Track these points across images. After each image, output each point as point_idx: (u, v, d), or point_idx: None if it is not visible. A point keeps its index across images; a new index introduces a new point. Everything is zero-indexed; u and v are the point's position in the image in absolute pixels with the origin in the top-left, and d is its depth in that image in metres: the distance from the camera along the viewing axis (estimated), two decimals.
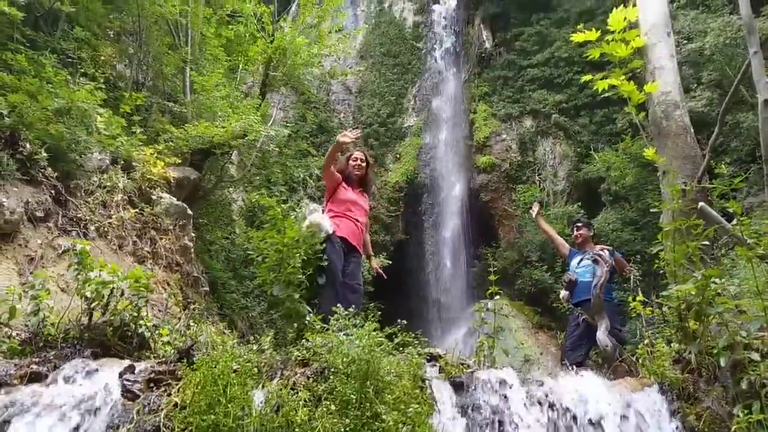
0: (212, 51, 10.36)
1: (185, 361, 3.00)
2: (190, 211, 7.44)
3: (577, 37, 4.77)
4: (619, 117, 15.54)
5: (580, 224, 7.39)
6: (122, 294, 3.54)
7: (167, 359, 3.14)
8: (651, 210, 5.62)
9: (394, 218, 17.79)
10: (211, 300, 10.40)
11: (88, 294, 3.40)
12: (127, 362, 3.11)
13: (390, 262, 14.78)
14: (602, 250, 6.10)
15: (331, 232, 4.84)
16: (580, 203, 15.50)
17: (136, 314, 3.48)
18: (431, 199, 18.33)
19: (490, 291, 4.97)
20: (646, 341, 3.67)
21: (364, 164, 5.68)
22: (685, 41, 13.68)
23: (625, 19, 4.64)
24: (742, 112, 13.04)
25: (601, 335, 5.39)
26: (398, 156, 18.90)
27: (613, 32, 4.48)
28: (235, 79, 11.19)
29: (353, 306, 3.81)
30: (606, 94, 4.94)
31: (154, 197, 6.97)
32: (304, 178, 12.55)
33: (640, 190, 13.91)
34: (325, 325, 3.40)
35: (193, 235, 7.57)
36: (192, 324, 4.87)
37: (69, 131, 6.09)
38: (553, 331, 14.12)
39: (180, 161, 8.31)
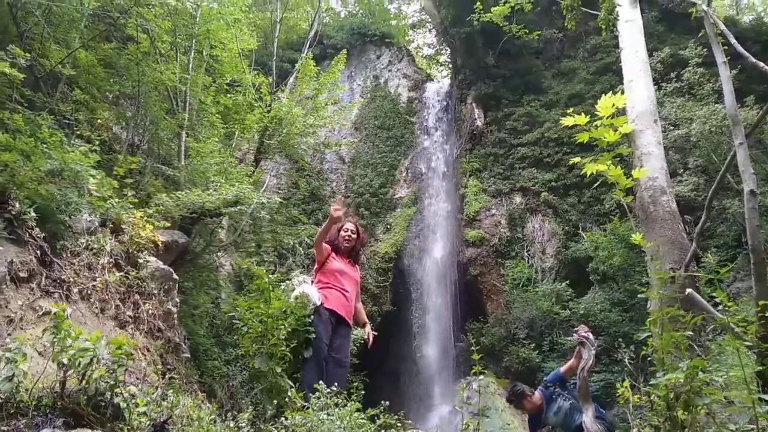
0: (209, 118, 10.54)
1: None
2: (176, 276, 7.36)
3: (567, 121, 4.84)
4: (607, 198, 15.80)
5: (516, 397, 6.40)
6: (98, 361, 3.43)
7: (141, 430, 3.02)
8: (639, 294, 5.58)
9: (382, 289, 17.69)
10: (192, 367, 10.13)
11: (65, 361, 3.29)
12: None
13: (376, 333, 14.54)
14: (586, 331, 5.87)
15: (319, 303, 4.78)
16: (568, 281, 15.51)
17: (113, 383, 3.37)
18: (420, 270, 18.29)
19: (474, 371, 4.82)
20: (634, 431, 3.59)
21: (354, 236, 5.67)
22: (672, 127, 14.09)
23: (613, 105, 4.75)
24: (728, 198, 13.30)
25: (588, 421, 5.26)
26: (388, 227, 18.99)
27: (601, 117, 4.58)
28: (231, 146, 11.33)
29: (338, 381, 3.71)
30: (594, 176, 5.01)
31: (140, 261, 6.90)
32: (294, 245, 12.55)
33: (627, 270, 13.97)
34: (306, 404, 3.30)
35: (177, 300, 7.46)
36: (170, 394, 4.74)
37: (60, 192, 6.08)
38: None
39: (169, 225, 8.28)
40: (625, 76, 6.33)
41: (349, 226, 5.69)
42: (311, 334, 4.51)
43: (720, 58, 4.67)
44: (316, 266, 5.44)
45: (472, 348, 5.14)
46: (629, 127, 5.43)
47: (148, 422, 3.41)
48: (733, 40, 4.67)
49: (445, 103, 21.79)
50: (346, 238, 5.57)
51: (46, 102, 8.33)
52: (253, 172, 11.04)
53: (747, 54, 4.49)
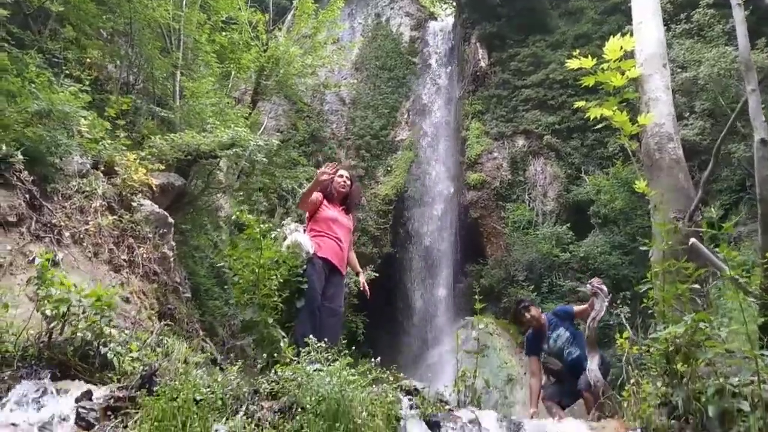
0: (204, 57, 10.20)
1: (147, 388, 2.84)
2: (171, 220, 7.24)
3: (573, 63, 4.64)
4: (610, 141, 15.54)
5: (521, 307, 6.57)
6: (84, 312, 3.36)
7: (128, 385, 2.96)
8: (639, 238, 5.49)
9: (383, 231, 17.67)
10: (193, 306, 10.20)
11: (48, 312, 3.22)
12: (85, 386, 2.93)
13: (377, 275, 14.63)
14: (600, 283, 5.83)
15: (312, 252, 4.67)
16: (569, 224, 15.44)
17: (98, 332, 3.31)
18: (420, 213, 18.22)
19: (476, 306, 4.80)
20: (632, 381, 3.54)
21: (348, 182, 5.53)
22: (679, 70, 13.70)
23: (621, 48, 4.52)
24: (735, 143, 13.06)
25: (594, 369, 5.27)
26: (389, 169, 18.81)
27: (608, 61, 4.36)
28: (227, 86, 11.03)
29: (331, 331, 3.64)
30: (598, 120, 4.82)
31: (134, 204, 6.77)
32: (293, 188, 12.41)
33: (629, 214, 13.88)
34: (296, 359, 3.24)
35: (173, 243, 7.36)
36: (165, 340, 4.71)
37: (49, 134, 5.91)
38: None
39: (164, 168, 8.12)
40: (635, 18, 6.03)
41: (343, 172, 5.54)
42: (304, 284, 4.43)
43: None
44: (307, 215, 5.31)
45: (474, 288, 5.14)
46: (637, 71, 5.22)
47: (141, 368, 3.35)
48: None
49: (448, 44, 21.21)
50: (341, 184, 5.43)
51: (35, 40, 8.04)
52: (250, 114, 10.75)
53: None
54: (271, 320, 3.99)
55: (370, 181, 18.44)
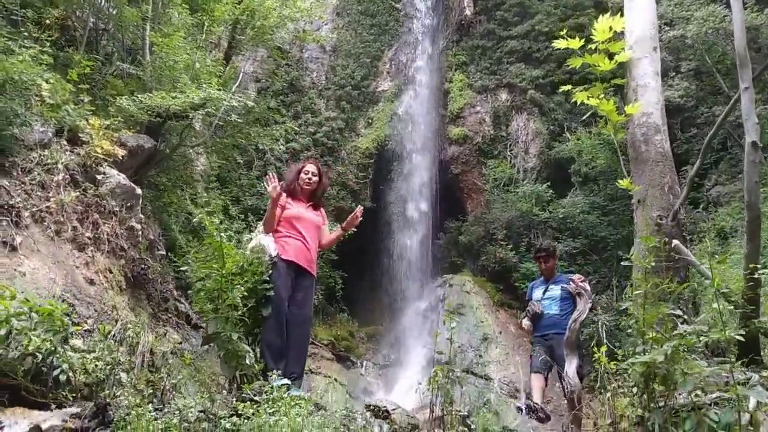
0: (175, 9, 9.67)
1: (101, 418, 2.70)
2: (139, 191, 7.00)
3: (560, 44, 4.39)
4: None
5: (545, 254, 6.62)
6: (35, 328, 3.17)
7: (82, 413, 2.82)
8: (618, 199, 5.32)
9: (363, 185, 17.46)
10: (168, 264, 10.05)
11: None
12: (36, 414, 2.78)
13: (355, 230, 14.49)
14: (582, 281, 5.80)
15: (275, 255, 4.46)
16: (549, 182, 15.35)
17: (52, 350, 3.14)
18: (401, 167, 17.98)
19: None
20: (608, 395, 3.49)
21: (315, 178, 5.24)
22: (667, 27, 13.38)
23: (611, 29, 4.27)
24: (718, 105, 12.94)
25: (571, 373, 5.26)
26: (370, 121, 18.41)
27: (596, 42, 4.11)
28: (200, 39, 10.53)
29: (299, 341, 3.51)
30: (584, 72, 4.58)
31: (99, 177, 6.50)
32: (270, 148, 12.02)
33: (610, 174, 13.80)
34: (264, 375, 3.10)
35: (141, 216, 7.13)
36: (130, 331, 4.56)
37: (5, 105, 5.57)
38: (514, 309, 14.12)
39: (132, 132, 7.80)
40: None
41: (311, 168, 5.24)
42: (270, 291, 4.24)
43: None
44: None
45: (454, 243, 5.01)
46: (626, 55, 4.97)
47: (97, 384, 3.21)
48: None
49: None
50: (307, 181, 5.14)
51: None
52: (224, 71, 10.31)
53: None
54: (236, 336, 3.82)
55: (350, 134, 18.06)
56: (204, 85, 8.62)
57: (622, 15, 5.25)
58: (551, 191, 15.11)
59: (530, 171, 16.27)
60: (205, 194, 13.25)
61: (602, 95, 4.43)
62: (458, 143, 16.92)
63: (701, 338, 3.25)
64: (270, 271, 4.34)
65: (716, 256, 3.62)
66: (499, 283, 14.75)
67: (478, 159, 16.81)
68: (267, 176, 4.88)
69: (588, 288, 5.69)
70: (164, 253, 10.25)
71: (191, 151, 11.76)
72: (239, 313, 3.88)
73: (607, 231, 13.64)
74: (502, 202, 15.51)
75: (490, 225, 15.19)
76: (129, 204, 6.70)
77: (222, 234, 3.96)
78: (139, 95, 7.95)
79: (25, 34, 6.66)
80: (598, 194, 14.34)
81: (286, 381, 3.57)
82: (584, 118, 14.08)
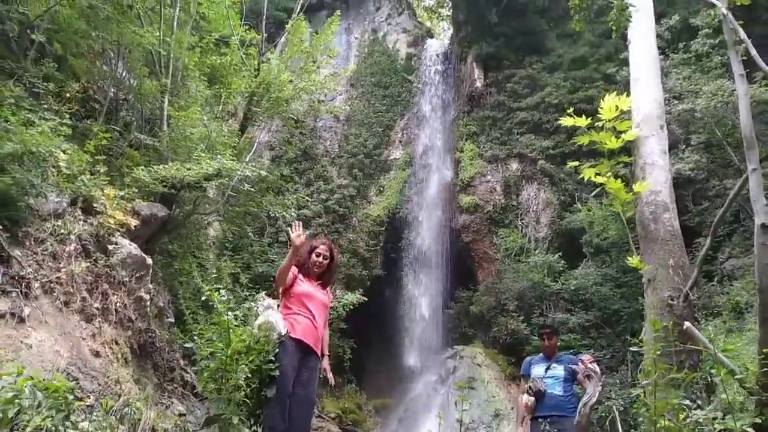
0: (194, 82, 9.98)
1: None
2: (149, 261, 7.02)
3: (567, 122, 4.45)
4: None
5: (548, 331, 6.58)
6: (39, 405, 3.12)
7: None
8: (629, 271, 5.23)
9: (373, 252, 17.48)
10: (176, 332, 9.97)
11: None
12: None
13: (366, 299, 14.41)
14: (592, 362, 5.68)
15: (285, 333, 4.41)
16: (561, 252, 15.26)
17: (53, 430, 3.08)
18: (412, 235, 18.02)
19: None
20: None
21: (326, 261, 5.21)
22: (676, 101, 13.57)
23: (617, 108, 4.33)
24: (729, 178, 12.94)
25: None
26: (381, 189, 18.61)
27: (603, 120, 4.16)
28: (217, 110, 10.82)
29: (302, 423, 3.41)
30: (593, 145, 4.60)
31: (111, 247, 6.54)
32: (282, 215, 12.14)
33: (622, 246, 13.70)
34: None
35: (150, 286, 7.13)
36: (132, 406, 4.49)
37: (22, 176, 5.67)
38: None
39: (146, 201, 7.91)
40: (632, 73, 5.83)
41: (323, 249, 5.22)
42: (275, 371, 4.16)
43: (738, 69, 4.23)
44: (280, 290, 4.99)
45: (460, 315, 4.91)
46: (633, 134, 5.03)
47: None
48: (753, 52, 4.22)
49: (444, 62, 21.07)
50: (318, 264, 5.12)
51: (16, 67, 7.77)
52: (238, 142, 10.53)
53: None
54: (236, 419, 3.73)
55: (361, 201, 18.25)
56: (219, 156, 8.78)
57: (629, 94, 5.34)
58: (563, 261, 14.99)
59: (541, 241, 16.20)
60: (217, 261, 13.29)
61: (610, 173, 4.45)
62: (469, 212, 16.96)
63: (715, 426, 3.14)
64: (276, 350, 4.27)
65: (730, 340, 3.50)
66: (510, 356, 14.45)
67: (489, 228, 16.81)
68: (293, 224, 4.86)
69: (598, 370, 5.55)
70: (173, 321, 10.22)
71: (204, 218, 11.88)
72: (242, 394, 3.80)
73: (620, 304, 13.42)
74: (514, 271, 15.38)
75: (502, 295, 15.03)
76: (139, 274, 6.72)
77: (230, 313, 3.93)
78: (154, 166, 8.10)
79: (46, 106, 6.87)
80: (610, 266, 14.18)
81: None
82: (594, 193, 14.13)
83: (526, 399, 6.19)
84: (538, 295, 14.60)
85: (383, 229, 17.61)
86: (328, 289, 5.24)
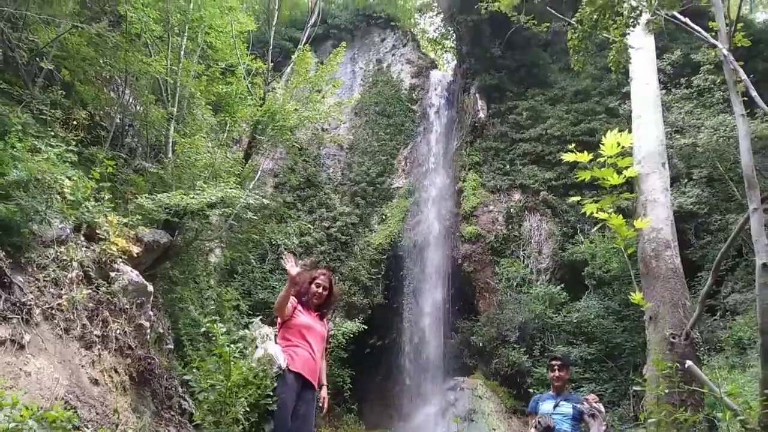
0: (199, 110, 10.10)
1: None
2: (150, 288, 7.01)
3: (569, 157, 4.48)
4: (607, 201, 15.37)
5: (559, 363, 6.42)
6: None
7: None
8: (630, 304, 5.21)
9: (374, 281, 17.43)
10: (175, 358, 9.91)
11: None
12: None
13: (366, 328, 14.34)
14: (597, 402, 5.63)
15: (284, 366, 4.39)
16: (563, 284, 15.21)
17: None
18: (413, 264, 17.99)
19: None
20: None
21: (325, 292, 5.21)
22: (678, 135, 13.65)
23: (619, 145, 4.36)
24: (732, 213, 12.96)
25: None
26: (384, 217, 18.65)
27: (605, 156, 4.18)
28: (222, 138, 10.92)
29: None
30: (595, 180, 4.61)
31: (113, 274, 6.55)
32: (284, 243, 12.16)
33: (624, 279, 13.66)
34: None
35: (150, 313, 7.10)
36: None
37: (27, 203, 5.71)
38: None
39: (148, 230, 7.94)
40: (634, 110, 5.90)
41: (322, 280, 5.23)
42: (272, 406, 4.12)
43: (738, 109, 4.27)
44: (279, 320, 4.99)
45: (463, 346, 4.87)
46: (635, 171, 5.06)
47: None
48: (754, 93, 4.26)
49: (448, 93, 21.27)
50: (317, 295, 5.12)
51: (26, 93, 7.88)
52: (242, 169, 10.61)
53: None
54: None
55: (364, 229, 18.27)
56: (222, 183, 8.84)
57: (630, 129, 5.39)
58: (565, 293, 14.94)
59: (543, 272, 16.17)
60: (218, 287, 13.26)
61: (612, 208, 4.47)
62: (471, 241, 16.94)
63: None
64: (275, 384, 4.24)
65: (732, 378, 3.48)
66: (512, 388, 14.33)
67: (490, 258, 16.77)
68: (285, 256, 4.87)
69: (602, 409, 5.52)
70: (172, 347, 10.17)
71: (206, 244, 11.90)
72: (241, 428, 3.78)
73: (623, 337, 13.35)
74: (515, 302, 15.31)
75: (503, 326, 14.95)
76: (140, 301, 6.71)
77: (231, 345, 3.93)
78: (158, 194, 8.15)
79: (52, 133, 6.94)
80: (612, 298, 14.12)
81: None
82: (596, 228, 14.14)
83: None
84: (540, 326, 14.53)
85: (385, 257, 17.60)
86: (325, 320, 5.23)
